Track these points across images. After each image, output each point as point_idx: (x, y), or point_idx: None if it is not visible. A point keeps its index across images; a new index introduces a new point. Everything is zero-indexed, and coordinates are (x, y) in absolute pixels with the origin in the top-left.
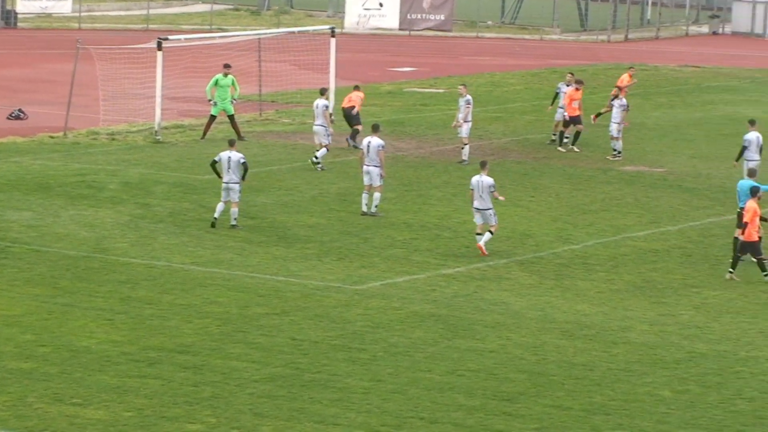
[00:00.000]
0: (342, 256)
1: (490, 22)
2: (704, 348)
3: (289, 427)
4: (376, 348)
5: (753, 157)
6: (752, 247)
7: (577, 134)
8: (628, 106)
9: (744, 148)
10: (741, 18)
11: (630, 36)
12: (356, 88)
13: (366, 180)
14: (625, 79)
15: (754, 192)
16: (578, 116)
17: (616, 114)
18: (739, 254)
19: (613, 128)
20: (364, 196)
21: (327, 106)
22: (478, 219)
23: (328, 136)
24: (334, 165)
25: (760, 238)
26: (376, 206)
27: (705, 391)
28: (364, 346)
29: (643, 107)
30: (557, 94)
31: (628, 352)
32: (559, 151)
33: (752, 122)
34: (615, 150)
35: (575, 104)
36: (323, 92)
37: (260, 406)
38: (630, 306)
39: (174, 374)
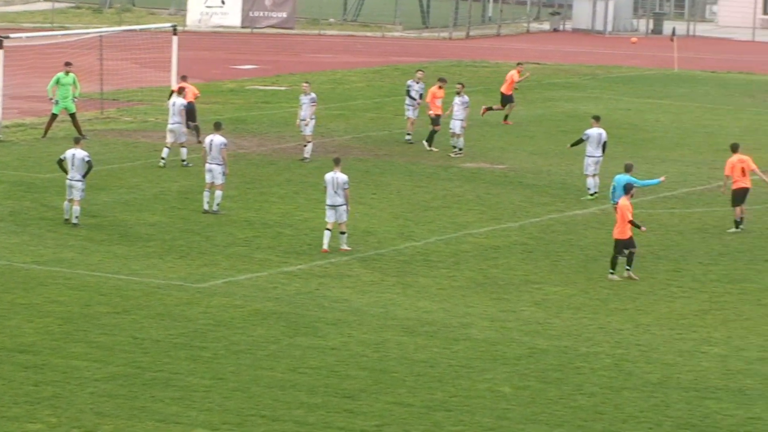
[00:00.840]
0: (184, 255)
1: (332, 20)
2: (545, 344)
3: (130, 426)
4: (217, 346)
5: (593, 153)
6: (626, 243)
7: (432, 134)
8: (468, 103)
9: (581, 140)
10: (581, 15)
11: (471, 33)
12: (183, 78)
13: (208, 178)
14: (514, 75)
15: (627, 189)
16: (439, 116)
17: (459, 111)
18: (617, 253)
19: (456, 125)
20: (206, 194)
21: (184, 105)
22: (330, 216)
23: (184, 134)
24: (175, 162)
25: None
26: (218, 204)
27: (545, 386)
28: (206, 345)
29: (484, 104)
30: (408, 91)
31: (469, 349)
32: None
33: (596, 118)
34: (456, 147)
35: (438, 102)
36: (180, 92)
37: (101, 405)
38: (471, 302)
39: (14, 374)
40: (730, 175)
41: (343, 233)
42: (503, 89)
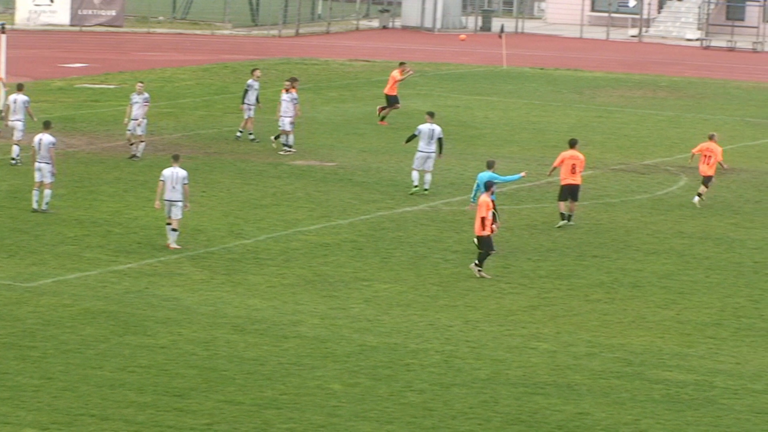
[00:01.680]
0: (12, 254)
1: (161, 18)
2: (375, 341)
3: None
4: (47, 345)
5: (424, 148)
6: (486, 241)
7: (281, 135)
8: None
9: (414, 135)
10: (411, 12)
11: (301, 31)
12: None
13: (37, 177)
14: (396, 75)
15: (487, 186)
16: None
17: (288, 108)
18: (481, 249)
19: (285, 123)
20: (35, 193)
21: (28, 101)
22: (168, 211)
23: (24, 131)
24: (3, 161)
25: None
26: (47, 203)
27: (375, 383)
28: (35, 344)
29: (314, 102)
30: (246, 91)
31: (299, 346)
32: (289, 152)
33: (431, 114)
34: (286, 145)
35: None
36: (20, 87)
37: None
38: (301, 300)
39: None
40: (559, 167)
41: (174, 230)
42: (386, 90)
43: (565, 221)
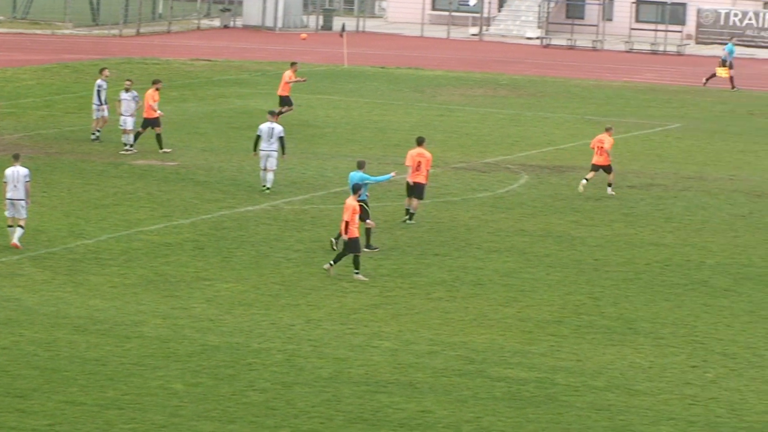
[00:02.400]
0: None
1: (1, 18)
2: (217, 340)
3: None
4: None
5: (265, 147)
6: (354, 244)
7: (159, 137)
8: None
9: (258, 137)
10: (252, 11)
11: (142, 30)
12: None
13: None
14: (290, 75)
15: (355, 189)
16: (157, 118)
17: (128, 106)
18: (357, 252)
19: (127, 122)
20: None
21: None
22: (9, 211)
23: None
24: None
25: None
26: None
27: (218, 383)
28: None
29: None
30: (99, 92)
31: (141, 346)
32: (130, 151)
33: (271, 113)
34: (127, 144)
35: (155, 105)
36: None
37: None
38: (143, 300)
39: None
40: (410, 166)
41: (20, 226)
42: (279, 91)
43: (409, 219)
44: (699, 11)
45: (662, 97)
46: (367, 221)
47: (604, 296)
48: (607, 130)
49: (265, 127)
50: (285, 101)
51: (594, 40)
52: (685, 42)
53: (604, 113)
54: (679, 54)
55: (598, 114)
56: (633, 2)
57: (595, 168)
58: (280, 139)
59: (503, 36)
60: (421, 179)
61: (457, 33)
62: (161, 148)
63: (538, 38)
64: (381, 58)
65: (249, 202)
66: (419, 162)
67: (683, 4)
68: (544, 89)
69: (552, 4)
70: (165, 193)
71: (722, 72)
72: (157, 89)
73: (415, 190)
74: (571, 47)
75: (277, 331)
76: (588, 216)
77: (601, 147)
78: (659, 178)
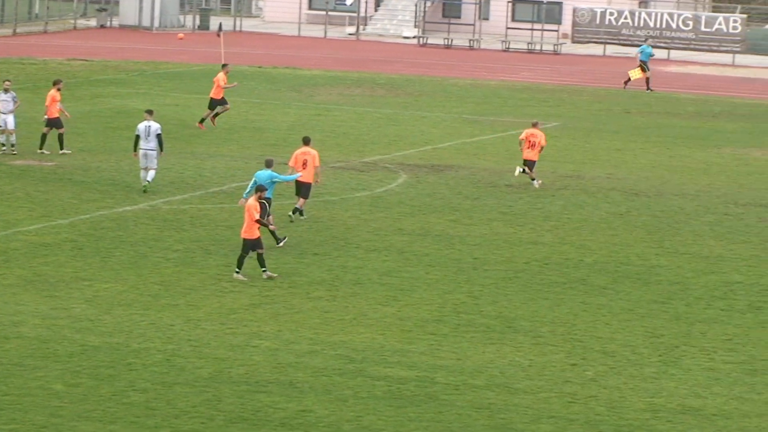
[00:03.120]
0: None
1: None
2: (97, 341)
3: None
4: None
5: (144, 146)
6: (254, 244)
7: (60, 137)
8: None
9: (137, 137)
10: (128, 11)
11: (18, 30)
12: None
13: None
14: (223, 79)
15: (258, 189)
16: (58, 119)
17: (6, 107)
18: (244, 253)
19: (9, 121)
20: None
21: None
22: None
23: None
24: None
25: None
26: None
27: (98, 383)
28: None
29: (33, 101)
30: None
31: (21, 347)
32: (43, 153)
33: (149, 112)
34: (5, 145)
35: (59, 106)
36: None
37: None
38: (22, 300)
39: None
40: (294, 166)
41: None
42: (211, 94)
43: (296, 214)
44: (575, 10)
45: (539, 96)
46: (268, 217)
47: (483, 295)
48: (535, 125)
49: (142, 125)
50: (218, 103)
51: (471, 40)
52: (561, 41)
53: (481, 112)
54: (555, 53)
55: (475, 113)
56: (509, 1)
57: (530, 164)
58: (158, 136)
59: (380, 35)
60: (307, 178)
61: (334, 32)
62: (61, 149)
63: (415, 37)
64: (258, 58)
65: (127, 202)
66: (305, 160)
67: (559, 4)
68: (421, 88)
69: (428, 4)
70: (43, 194)
71: (635, 73)
72: (58, 89)
73: (302, 189)
74: (448, 46)
75: (157, 331)
76: (466, 215)
77: (533, 143)
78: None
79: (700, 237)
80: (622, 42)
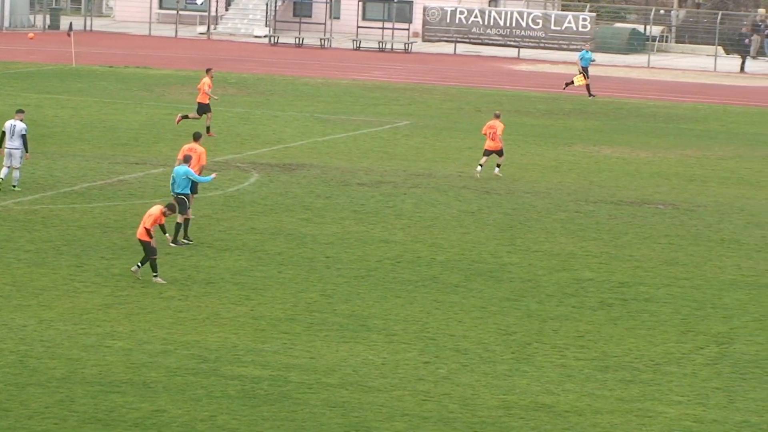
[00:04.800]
0: None
1: None
2: None
3: None
4: None
5: (9, 145)
6: (149, 247)
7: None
8: None
9: (3, 134)
10: None
11: None
12: None
13: None
14: (208, 84)
15: (170, 208)
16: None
17: None
18: (151, 255)
19: None
20: None
21: None
22: None
23: None
24: None
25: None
26: None
27: None
28: None
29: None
30: None
31: None
32: None
33: (20, 111)
34: None
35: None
36: None
37: None
38: None
39: None
40: (179, 159)
41: None
42: (198, 99)
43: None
44: (425, 9)
45: (390, 95)
46: (188, 211)
47: (336, 293)
48: (497, 116)
49: (8, 124)
50: (204, 108)
51: (322, 39)
52: (412, 40)
53: (333, 111)
54: (406, 52)
55: (327, 112)
56: (360, 1)
57: (488, 153)
58: (23, 137)
59: (231, 34)
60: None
61: (185, 32)
62: None
63: (266, 36)
64: (109, 57)
65: None
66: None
67: (409, 2)
68: (273, 88)
69: (279, 3)
70: None
71: (579, 80)
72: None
73: None
74: (299, 45)
75: (9, 332)
76: (319, 214)
77: (495, 132)
78: (389, 175)
79: (552, 234)
80: (472, 41)
